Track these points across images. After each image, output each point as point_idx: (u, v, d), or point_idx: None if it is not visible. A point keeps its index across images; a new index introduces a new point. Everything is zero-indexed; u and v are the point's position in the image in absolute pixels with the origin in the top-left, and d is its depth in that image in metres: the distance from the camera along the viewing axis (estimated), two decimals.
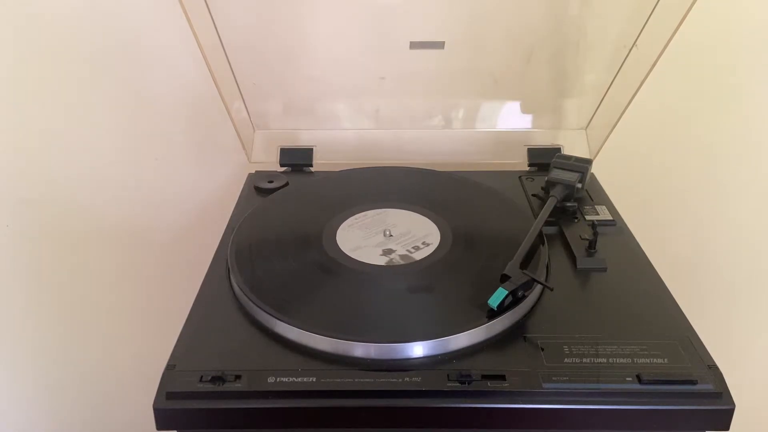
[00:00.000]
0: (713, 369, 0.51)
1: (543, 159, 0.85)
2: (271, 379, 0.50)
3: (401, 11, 0.77)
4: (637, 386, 0.50)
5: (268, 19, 0.78)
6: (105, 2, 0.83)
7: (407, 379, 0.50)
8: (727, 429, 0.50)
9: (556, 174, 0.76)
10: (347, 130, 0.89)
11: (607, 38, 0.79)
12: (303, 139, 0.88)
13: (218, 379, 0.50)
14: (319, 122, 0.88)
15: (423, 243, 0.67)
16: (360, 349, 0.53)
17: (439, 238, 0.68)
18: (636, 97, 0.77)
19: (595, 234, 0.67)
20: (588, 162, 0.78)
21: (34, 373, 1.09)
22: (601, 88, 0.82)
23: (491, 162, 0.89)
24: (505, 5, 0.77)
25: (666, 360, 0.52)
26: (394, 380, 0.50)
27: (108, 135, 0.92)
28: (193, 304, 0.60)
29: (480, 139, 0.90)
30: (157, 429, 0.50)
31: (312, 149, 0.87)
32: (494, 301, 0.55)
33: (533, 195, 0.79)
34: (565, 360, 0.52)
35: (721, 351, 0.56)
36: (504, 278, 0.58)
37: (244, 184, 0.84)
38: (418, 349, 0.53)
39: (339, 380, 0.50)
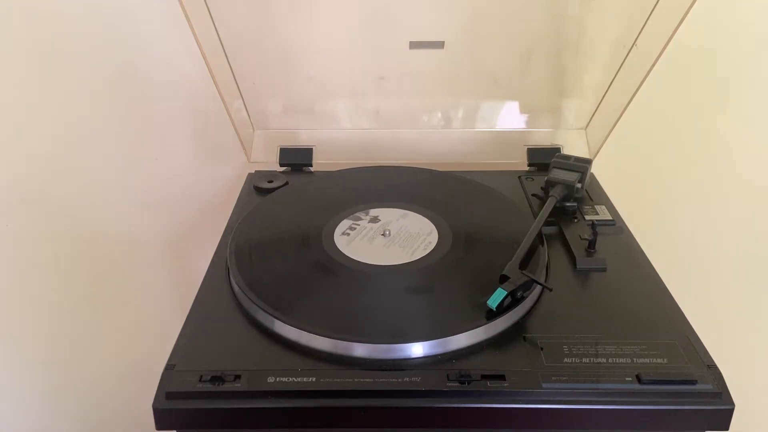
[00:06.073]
0: (713, 369, 0.51)
1: (542, 159, 0.85)
2: (270, 379, 0.50)
3: (401, 11, 0.77)
4: (636, 386, 0.50)
5: (267, 19, 0.78)
6: (104, 2, 0.83)
7: (407, 379, 0.50)
8: (727, 429, 0.50)
9: (556, 174, 0.77)
10: (347, 130, 0.89)
11: (607, 38, 0.79)
12: (303, 139, 0.88)
13: (218, 379, 0.50)
14: (318, 122, 0.88)
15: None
16: (360, 349, 0.53)
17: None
18: (636, 97, 0.77)
19: (595, 234, 0.67)
20: (588, 162, 0.78)
21: (34, 372, 1.09)
22: (600, 88, 0.82)
23: (491, 162, 0.89)
24: (505, 5, 0.77)
25: (665, 360, 0.52)
26: (393, 380, 0.50)
27: (107, 135, 0.92)
28: (193, 304, 0.60)
29: (480, 139, 0.90)
30: (157, 429, 0.50)
31: (312, 149, 0.87)
32: (493, 301, 0.55)
33: (533, 195, 0.79)
34: (565, 360, 0.52)
35: (720, 351, 0.56)
36: (503, 279, 0.58)
37: (244, 184, 0.84)
38: (417, 349, 0.53)
39: (339, 380, 0.50)
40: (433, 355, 0.53)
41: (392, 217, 0.72)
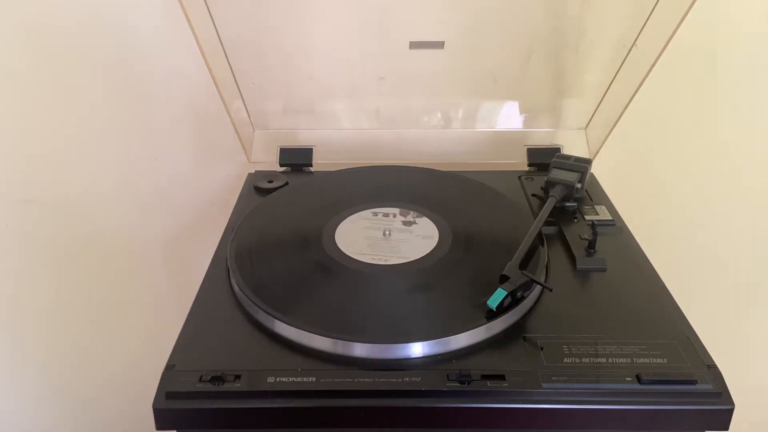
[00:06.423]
0: (713, 369, 0.51)
1: (542, 159, 0.85)
2: (270, 379, 0.50)
3: (401, 11, 0.77)
4: (636, 386, 0.50)
5: (267, 19, 0.78)
6: (104, 3, 0.83)
7: (407, 379, 0.50)
8: (727, 429, 0.50)
9: (556, 174, 0.76)
10: (347, 130, 0.89)
11: (607, 38, 0.79)
12: (303, 139, 0.88)
13: (218, 379, 0.50)
14: (318, 122, 0.88)
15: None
16: (360, 349, 0.53)
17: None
18: (636, 97, 0.77)
19: (595, 234, 0.66)
20: (587, 162, 0.78)
21: (34, 372, 1.09)
22: (600, 88, 0.82)
23: (491, 162, 0.89)
24: (505, 5, 0.77)
25: (665, 360, 0.52)
26: (393, 380, 0.50)
27: (107, 135, 0.92)
28: (193, 304, 0.60)
29: (480, 139, 0.90)
30: (157, 429, 0.50)
31: (312, 149, 0.87)
32: (493, 302, 0.55)
33: (533, 195, 0.79)
34: (565, 360, 0.52)
35: (720, 351, 0.56)
36: (503, 279, 0.58)
37: (244, 184, 0.84)
38: (417, 349, 0.53)
39: (338, 380, 0.50)
40: (433, 355, 0.53)
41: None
